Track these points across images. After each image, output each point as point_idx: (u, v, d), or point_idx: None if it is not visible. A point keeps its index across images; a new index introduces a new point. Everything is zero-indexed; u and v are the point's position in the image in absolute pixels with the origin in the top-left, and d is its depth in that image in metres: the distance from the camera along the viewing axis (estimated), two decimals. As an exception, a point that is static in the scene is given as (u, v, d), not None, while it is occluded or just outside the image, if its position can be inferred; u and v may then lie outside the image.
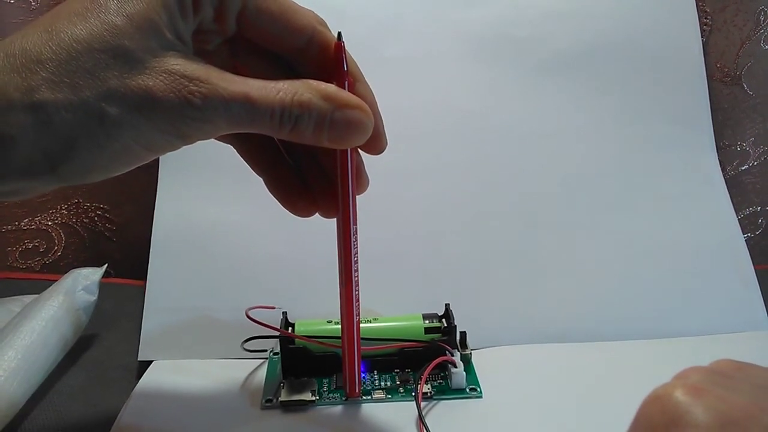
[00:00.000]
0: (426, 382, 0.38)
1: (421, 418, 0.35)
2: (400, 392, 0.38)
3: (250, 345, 0.39)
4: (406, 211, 0.48)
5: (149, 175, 0.50)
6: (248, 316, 0.38)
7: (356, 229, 0.33)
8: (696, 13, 0.53)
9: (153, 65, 0.25)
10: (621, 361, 0.42)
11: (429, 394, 0.38)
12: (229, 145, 0.34)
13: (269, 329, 0.38)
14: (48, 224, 0.55)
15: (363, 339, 0.38)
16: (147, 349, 0.43)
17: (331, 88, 0.28)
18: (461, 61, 0.51)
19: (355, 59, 0.32)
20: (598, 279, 0.46)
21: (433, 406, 0.37)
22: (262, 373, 0.40)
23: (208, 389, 0.39)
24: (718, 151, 0.52)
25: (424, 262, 0.46)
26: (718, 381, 0.20)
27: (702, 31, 0.54)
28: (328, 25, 0.31)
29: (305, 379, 0.39)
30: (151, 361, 0.42)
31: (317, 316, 0.40)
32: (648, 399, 0.21)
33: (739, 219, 0.50)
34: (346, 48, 0.31)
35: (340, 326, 0.35)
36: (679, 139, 0.51)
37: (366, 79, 0.32)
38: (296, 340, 0.38)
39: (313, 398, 0.37)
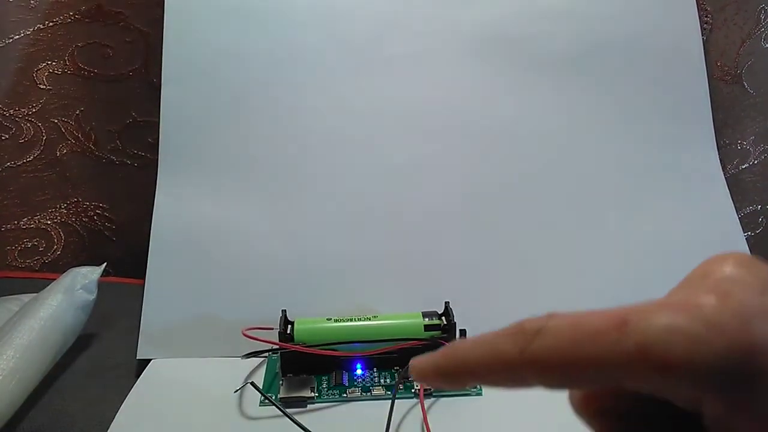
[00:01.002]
0: (426, 380, 0.38)
1: (424, 414, 0.35)
2: (399, 389, 0.38)
3: (248, 345, 0.39)
4: (406, 209, 0.47)
5: (148, 174, 0.50)
6: (245, 335, 0.38)
7: None
8: (696, 11, 0.53)
9: None
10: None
11: (429, 390, 0.38)
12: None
13: (269, 343, 0.38)
14: (47, 223, 0.55)
15: (363, 341, 0.37)
16: (146, 347, 0.42)
17: None
18: (462, 60, 0.51)
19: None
20: (599, 277, 0.46)
21: (433, 402, 0.37)
22: (262, 371, 0.40)
23: (207, 387, 0.39)
24: (718, 150, 0.52)
25: (424, 261, 0.46)
26: None
27: (702, 29, 0.54)
28: None
29: (304, 377, 0.39)
30: (150, 360, 0.42)
31: (316, 314, 0.40)
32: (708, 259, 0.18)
33: (739, 217, 0.50)
34: None
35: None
36: (679, 138, 0.51)
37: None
38: (295, 336, 0.38)
39: (312, 395, 0.37)
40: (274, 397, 0.37)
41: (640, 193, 0.49)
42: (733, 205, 0.50)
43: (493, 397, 0.37)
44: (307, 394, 0.37)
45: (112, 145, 0.55)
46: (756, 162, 0.58)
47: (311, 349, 0.38)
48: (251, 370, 0.41)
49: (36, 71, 0.51)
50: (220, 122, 0.48)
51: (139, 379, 0.40)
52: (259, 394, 0.38)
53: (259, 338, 0.38)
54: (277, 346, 0.38)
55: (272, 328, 0.39)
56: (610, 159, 0.50)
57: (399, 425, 0.35)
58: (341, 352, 0.38)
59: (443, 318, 0.40)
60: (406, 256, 0.46)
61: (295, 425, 0.34)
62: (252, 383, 0.37)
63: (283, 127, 0.48)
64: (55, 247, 0.55)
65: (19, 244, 0.54)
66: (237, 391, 0.38)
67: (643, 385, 0.15)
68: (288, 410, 0.36)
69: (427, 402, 0.37)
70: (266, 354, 0.41)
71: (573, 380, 0.16)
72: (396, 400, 0.37)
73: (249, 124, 0.48)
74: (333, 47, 0.49)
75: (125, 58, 0.53)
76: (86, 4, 0.51)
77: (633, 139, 0.50)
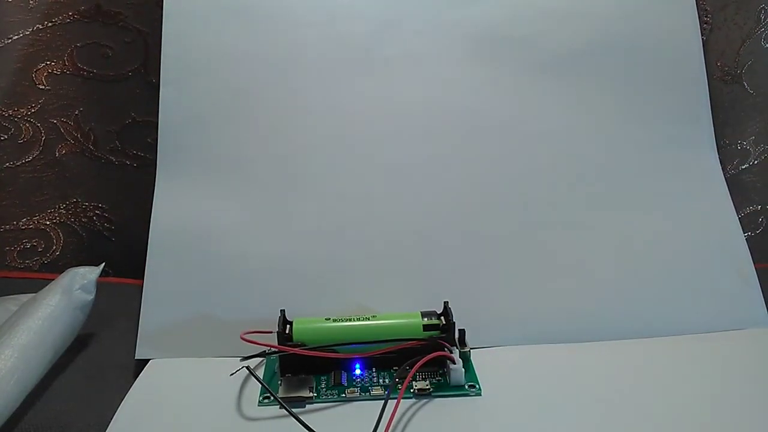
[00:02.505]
0: (425, 379, 0.38)
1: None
2: (398, 389, 0.37)
3: (247, 344, 0.39)
4: (405, 209, 0.47)
5: (148, 174, 0.50)
6: (243, 339, 0.38)
7: None
8: (696, 11, 0.53)
9: None
10: (621, 360, 0.41)
11: (428, 390, 0.38)
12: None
13: (268, 347, 0.38)
14: (46, 224, 0.55)
15: (361, 341, 0.37)
16: (144, 347, 0.42)
17: None
18: (461, 60, 0.51)
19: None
20: (598, 278, 0.46)
21: (432, 402, 0.37)
22: (260, 371, 0.40)
23: (206, 387, 0.39)
24: (718, 150, 0.51)
25: (423, 260, 0.46)
26: None
27: (702, 29, 0.53)
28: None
29: (303, 377, 0.39)
30: (149, 360, 0.42)
31: (315, 314, 0.40)
32: None
33: (739, 218, 0.50)
34: None
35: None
36: (679, 138, 0.51)
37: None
38: (294, 336, 0.38)
39: (311, 395, 0.37)
40: (272, 398, 0.37)
41: (640, 193, 0.49)
42: (733, 205, 0.50)
43: (492, 397, 0.37)
44: (306, 394, 0.37)
45: (112, 145, 0.55)
46: (756, 162, 0.58)
47: (309, 351, 0.38)
48: (250, 370, 0.41)
49: (35, 71, 0.51)
50: (219, 122, 0.48)
51: (137, 379, 0.40)
52: (258, 395, 0.38)
53: (258, 342, 0.38)
54: (276, 349, 0.38)
55: (271, 332, 0.39)
56: (610, 159, 0.50)
57: (395, 425, 0.35)
58: (340, 353, 0.38)
59: (442, 318, 0.40)
60: (405, 256, 0.46)
61: (296, 421, 0.34)
62: (248, 368, 0.37)
63: (282, 127, 0.48)
64: (54, 247, 0.55)
65: (18, 245, 0.54)
66: (233, 374, 0.38)
67: None
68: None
69: (425, 402, 0.37)
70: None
71: None
72: (393, 400, 0.37)
73: (248, 124, 0.48)
74: (332, 47, 0.49)
75: (124, 58, 0.53)
76: (85, 4, 0.51)
77: (632, 139, 0.50)
